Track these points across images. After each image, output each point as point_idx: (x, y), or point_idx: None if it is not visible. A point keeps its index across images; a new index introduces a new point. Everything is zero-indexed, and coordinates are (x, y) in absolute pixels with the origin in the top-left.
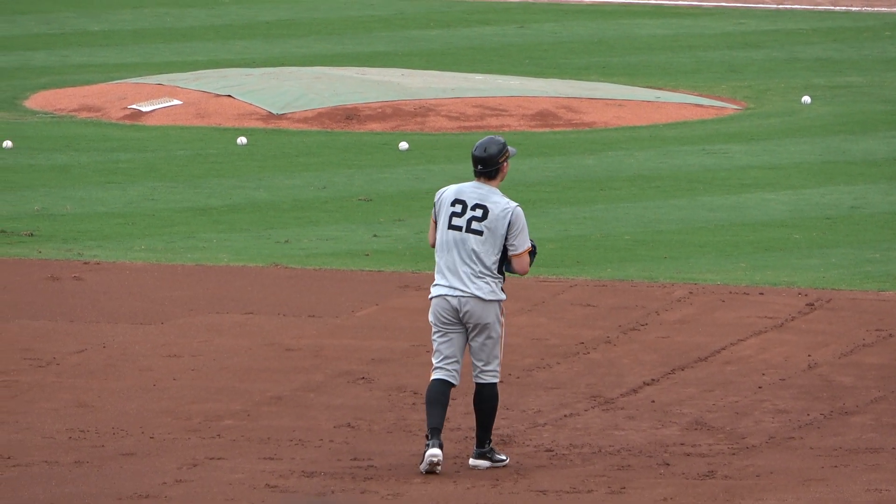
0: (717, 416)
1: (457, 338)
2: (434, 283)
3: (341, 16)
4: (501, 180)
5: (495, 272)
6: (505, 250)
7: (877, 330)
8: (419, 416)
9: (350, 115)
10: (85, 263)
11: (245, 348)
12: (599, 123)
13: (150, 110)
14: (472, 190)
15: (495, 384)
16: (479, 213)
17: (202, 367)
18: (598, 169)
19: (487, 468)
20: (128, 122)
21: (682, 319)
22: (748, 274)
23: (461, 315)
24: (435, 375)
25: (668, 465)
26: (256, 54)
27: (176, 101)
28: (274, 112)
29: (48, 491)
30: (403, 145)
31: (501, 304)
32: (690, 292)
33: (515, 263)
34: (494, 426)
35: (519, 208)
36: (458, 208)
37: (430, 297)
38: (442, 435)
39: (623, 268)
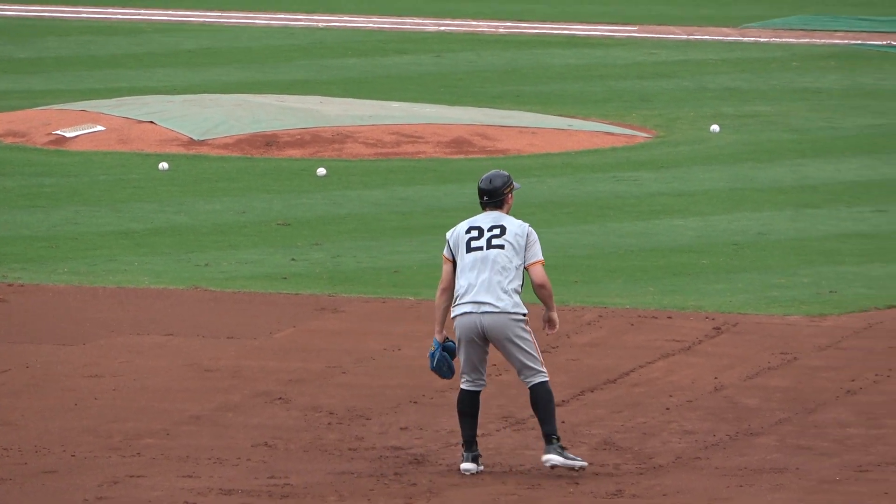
0: (625, 436)
1: (480, 351)
2: (456, 304)
3: (261, 44)
4: (507, 211)
5: (518, 287)
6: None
7: (781, 353)
8: (335, 436)
9: (269, 141)
10: (9, 285)
11: (165, 369)
12: (513, 150)
13: (73, 136)
14: (485, 217)
15: (544, 383)
16: (497, 231)
17: (123, 387)
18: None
19: (562, 465)
20: (52, 148)
21: (591, 342)
22: (657, 298)
23: (483, 330)
24: (463, 386)
25: (577, 484)
26: (178, 81)
27: (99, 127)
28: (195, 138)
29: None
30: (321, 171)
31: (525, 316)
32: (600, 316)
33: (533, 274)
34: (408, 445)
35: (531, 227)
36: (475, 234)
37: (453, 315)
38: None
39: None
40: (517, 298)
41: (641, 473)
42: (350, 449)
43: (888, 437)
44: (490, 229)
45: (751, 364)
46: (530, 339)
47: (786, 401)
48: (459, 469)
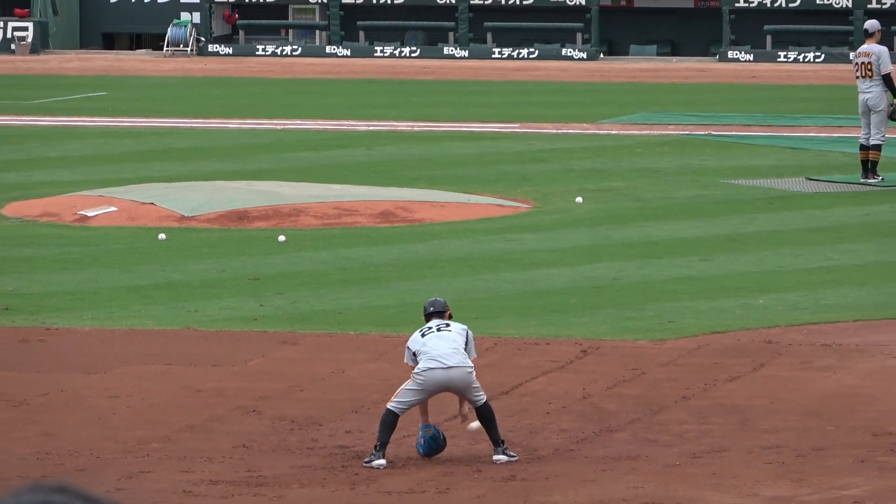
0: (515, 434)
1: (426, 398)
2: (421, 367)
3: (235, 143)
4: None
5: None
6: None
7: (633, 369)
8: (296, 438)
9: (242, 216)
10: (46, 329)
11: (166, 390)
12: (427, 220)
13: (93, 215)
14: (433, 322)
15: (487, 401)
16: (445, 325)
17: (134, 404)
18: (426, 253)
19: (506, 461)
20: (77, 224)
21: (489, 364)
22: (537, 329)
23: (448, 383)
24: (394, 410)
25: (480, 471)
26: (172, 172)
27: (113, 208)
28: (185, 214)
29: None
30: (281, 238)
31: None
32: (495, 343)
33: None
34: (352, 444)
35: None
36: (428, 328)
37: (419, 370)
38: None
39: None
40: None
41: (529, 462)
42: (308, 448)
43: (714, 431)
44: (439, 326)
45: (610, 378)
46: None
47: (637, 405)
48: (371, 465)
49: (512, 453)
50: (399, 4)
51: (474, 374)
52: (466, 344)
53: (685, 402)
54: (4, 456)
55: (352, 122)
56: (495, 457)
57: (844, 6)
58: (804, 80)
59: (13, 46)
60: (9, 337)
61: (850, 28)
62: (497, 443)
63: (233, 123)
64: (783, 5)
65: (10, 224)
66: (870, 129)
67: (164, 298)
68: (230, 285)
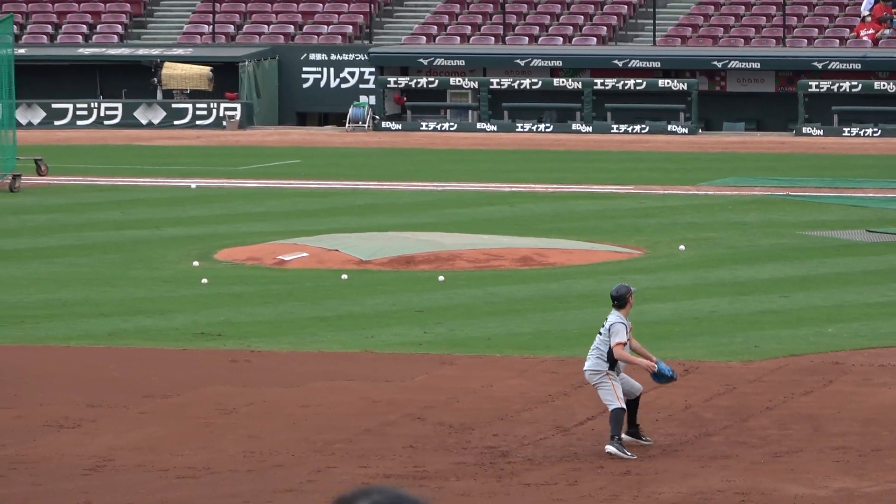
0: (630, 438)
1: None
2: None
3: (403, 201)
4: (628, 311)
5: (602, 355)
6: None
7: (726, 385)
8: (453, 440)
9: (409, 260)
10: (251, 352)
11: (348, 401)
12: (558, 263)
13: (289, 259)
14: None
15: (612, 409)
16: (603, 323)
17: (322, 412)
18: (557, 290)
19: (614, 453)
20: (276, 267)
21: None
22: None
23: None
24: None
25: (602, 467)
26: (353, 224)
27: (305, 254)
28: (364, 259)
29: (233, 488)
30: (441, 278)
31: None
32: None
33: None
34: (497, 445)
35: (618, 323)
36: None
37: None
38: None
39: (571, 349)
40: (598, 361)
41: (642, 460)
42: (462, 448)
43: (792, 435)
44: (601, 328)
45: (707, 392)
46: (609, 384)
47: (729, 414)
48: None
49: (626, 451)
50: (536, 89)
51: (599, 376)
52: (610, 335)
53: (768, 411)
54: (218, 454)
55: (497, 185)
56: (606, 447)
57: None
58: (864, 151)
59: (224, 123)
60: (221, 358)
61: None
62: (611, 437)
63: (402, 185)
64: (847, 90)
65: (222, 266)
66: None
67: (346, 326)
68: (399, 316)
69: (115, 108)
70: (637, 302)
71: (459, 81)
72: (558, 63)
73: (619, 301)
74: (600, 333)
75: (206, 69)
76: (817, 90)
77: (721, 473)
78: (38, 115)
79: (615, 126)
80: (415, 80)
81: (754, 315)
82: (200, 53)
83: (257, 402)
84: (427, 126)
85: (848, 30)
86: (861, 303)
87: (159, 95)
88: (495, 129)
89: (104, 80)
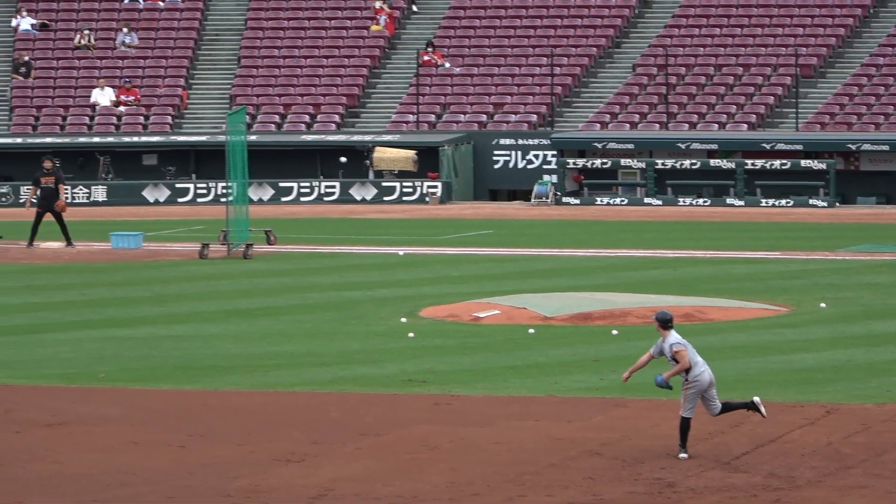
0: (780, 469)
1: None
2: (694, 373)
3: (581, 265)
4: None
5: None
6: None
7: (862, 424)
8: (626, 473)
9: (587, 316)
10: (452, 396)
11: (534, 439)
12: (715, 319)
13: (483, 316)
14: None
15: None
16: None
17: (513, 448)
18: (715, 342)
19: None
20: (472, 322)
21: (760, 421)
22: (795, 396)
23: (709, 386)
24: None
25: (755, 496)
26: (538, 286)
27: (497, 311)
28: (547, 315)
29: None
30: (615, 332)
31: (686, 383)
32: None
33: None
34: (664, 476)
35: (678, 344)
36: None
37: (694, 376)
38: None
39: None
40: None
41: (790, 489)
42: (634, 479)
43: None
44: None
45: (846, 430)
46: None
47: (865, 449)
48: (680, 457)
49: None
50: (695, 169)
51: (683, 387)
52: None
53: None
54: (424, 485)
55: (662, 251)
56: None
57: None
58: None
59: (427, 199)
60: (426, 401)
61: None
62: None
63: (579, 252)
64: None
65: (426, 322)
66: None
67: (532, 374)
68: (579, 365)
69: (334, 187)
70: (784, 352)
71: (629, 162)
72: (714, 146)
73: (670, 323)
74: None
75: (412, 153)
76: None
77: (859, 501)
78: (268, 193)
79: (764, 200)
80: (590, 161)
81: (886, 363)
82: (406, 139)
83: (457, 439)
84: (601, 201)
85: None
86: None
87: (371, 175)
88: (660, 203)
89: (324, 163)
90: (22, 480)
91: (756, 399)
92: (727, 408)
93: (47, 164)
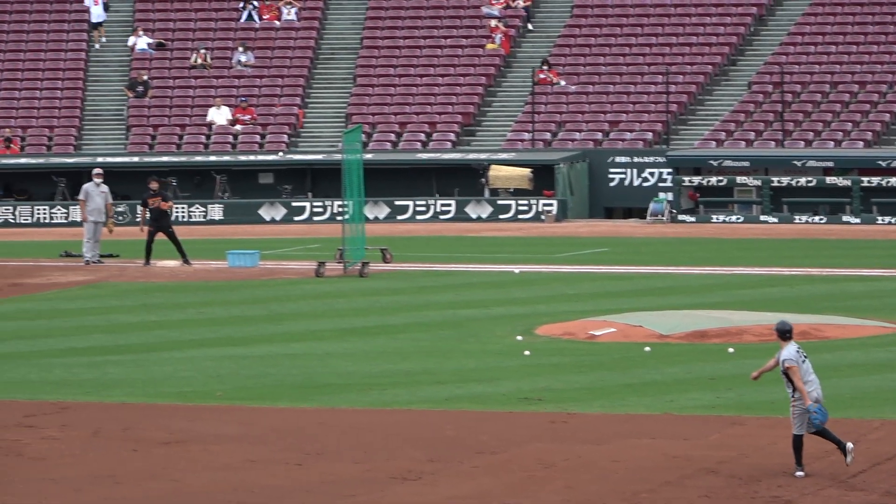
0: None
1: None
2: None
3: (697, 284)
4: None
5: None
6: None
7: None
8: (743, 491)
9: (703, 334)
10: (568, 414)
11: (651, 456)
12: (832, 336)
13: (599, 334)
14: (793, 345)
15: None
16: (804, 352)
17: (630, 466)
18: (831, 360)
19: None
20: (588, 340)
21: (878, 438)
22: None
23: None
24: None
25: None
26: (654, 304)
27: (613, 329)
28: (663, 333)
29: None
30: (731, 350)
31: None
32: (882, 424)
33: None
34: (780, 494)
35: (790, 360)
36: (800, 355)
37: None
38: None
39: None
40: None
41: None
42: (751, 498)
43: None
44: (805, 355)
45: None
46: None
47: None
48: (796, 475)
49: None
50: (811, 186)
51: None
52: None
53: None
54: (536, 502)
55: (778, 269)
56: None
57: None
58: None
59: (543, 217)
60: (541, 419)
61: None
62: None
63: (695, 270)
64: None
65: (542, 340)
66: None
67: (649, 392)
68: (695, 383)
69: (449, 205)
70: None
71: (745, 180)
72: (830, 163)
73: (787, 334)
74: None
75: (527, 171)
76: None
77: None
78: (384, 211)
79: (880, 218)
80: (706, 179)
81: None
82: (522, 157)
83: (572, 457)
84: (717, 219)
85: None
86: None
87: (487, 193)
88: (776, 220)
89: (439, 181)
90: (139, 499)
91: (850, 445)
92: (824, 434)
93: (153, 185)
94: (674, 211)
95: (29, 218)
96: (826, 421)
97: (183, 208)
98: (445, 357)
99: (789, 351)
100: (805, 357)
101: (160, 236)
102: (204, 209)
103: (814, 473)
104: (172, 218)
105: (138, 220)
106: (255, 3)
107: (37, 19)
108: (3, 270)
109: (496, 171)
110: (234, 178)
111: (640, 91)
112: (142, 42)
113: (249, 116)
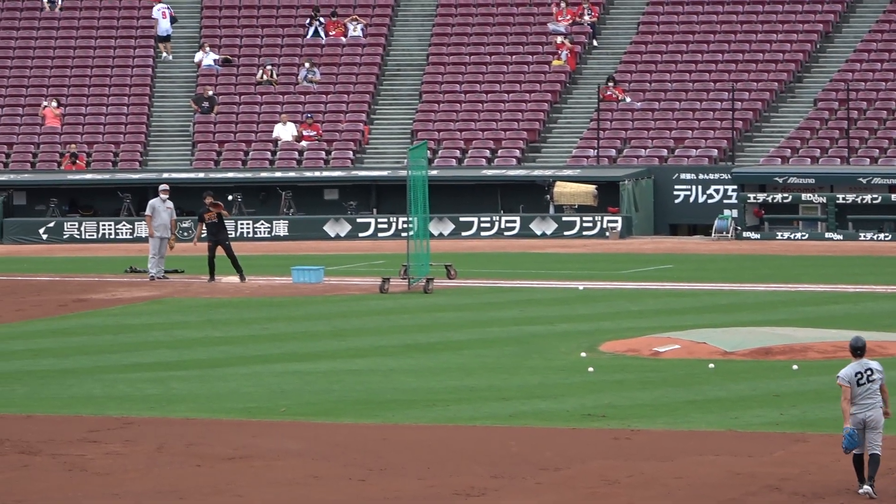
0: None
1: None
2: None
3: (762, 300)
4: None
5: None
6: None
7: None
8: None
9: (767, 351)
10: (632, 430)
11: (714, 473)
12: (895, 353)
13: (663, 350)
14: (859, 364)
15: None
16: (870, 372)
17: (693, 483)
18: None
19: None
20: (652, 357)
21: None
22: None
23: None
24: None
25: None
26: (718, 321)
27: (677, 346)
28: (727, 350)
29: None
30: (795, 367)
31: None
32: None
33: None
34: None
35: (841, 378)
36: (860, 376)
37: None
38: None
39: None
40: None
41: None
42: None
43: None
44: (867, 370)
45: None
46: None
47: None
48: (860, 492)
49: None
50: (876, 203)
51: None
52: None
53: None
54: None
55: (842, 286)
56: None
57: None
58: None
59: (607, 234)
60: (605, 436)
61: None
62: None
63: (760, 287)
64: None
65: (606, 357)
66: None
67: (713, 409)
68: (759, 400)
69: (514, 221)
70: None
71: (810, 197)
72: (895, 181)
73: (858, 351)
74: (872, 380)
75: (592, 187)
76: None
77: None
78: (448, 227)
79: None
80: (771, 196)
81: None
82: (586, 174)
83: (636, 474)
84: (782, 236)
85: None
86: None
87: (551, 210)
88: (841, 237)
89: (504, 197)
90: None
91: (865, 488)
92: (871, 461)
93: (208, 200)
94: (739, 228)
95: (94, 234)
96: (853, 448)
97: (248, 224)
98: (509, 373)
99: (847, 369)
100: (870, 378)
101: (220, 252)
102: (269, 225)
103: (878, 490)
104: (235, 234)
105: (204, 235)
106: (322, 19)
107: (104, 35)
108: (68, 286)
109: (561, 188)
110: (300, 194)
111: (705, 108)
112: (208, 58)
113: (315, 133)
